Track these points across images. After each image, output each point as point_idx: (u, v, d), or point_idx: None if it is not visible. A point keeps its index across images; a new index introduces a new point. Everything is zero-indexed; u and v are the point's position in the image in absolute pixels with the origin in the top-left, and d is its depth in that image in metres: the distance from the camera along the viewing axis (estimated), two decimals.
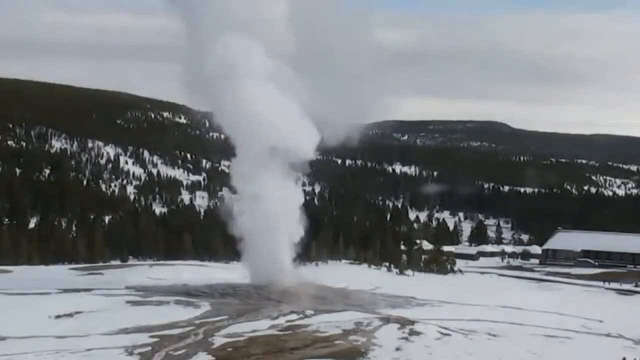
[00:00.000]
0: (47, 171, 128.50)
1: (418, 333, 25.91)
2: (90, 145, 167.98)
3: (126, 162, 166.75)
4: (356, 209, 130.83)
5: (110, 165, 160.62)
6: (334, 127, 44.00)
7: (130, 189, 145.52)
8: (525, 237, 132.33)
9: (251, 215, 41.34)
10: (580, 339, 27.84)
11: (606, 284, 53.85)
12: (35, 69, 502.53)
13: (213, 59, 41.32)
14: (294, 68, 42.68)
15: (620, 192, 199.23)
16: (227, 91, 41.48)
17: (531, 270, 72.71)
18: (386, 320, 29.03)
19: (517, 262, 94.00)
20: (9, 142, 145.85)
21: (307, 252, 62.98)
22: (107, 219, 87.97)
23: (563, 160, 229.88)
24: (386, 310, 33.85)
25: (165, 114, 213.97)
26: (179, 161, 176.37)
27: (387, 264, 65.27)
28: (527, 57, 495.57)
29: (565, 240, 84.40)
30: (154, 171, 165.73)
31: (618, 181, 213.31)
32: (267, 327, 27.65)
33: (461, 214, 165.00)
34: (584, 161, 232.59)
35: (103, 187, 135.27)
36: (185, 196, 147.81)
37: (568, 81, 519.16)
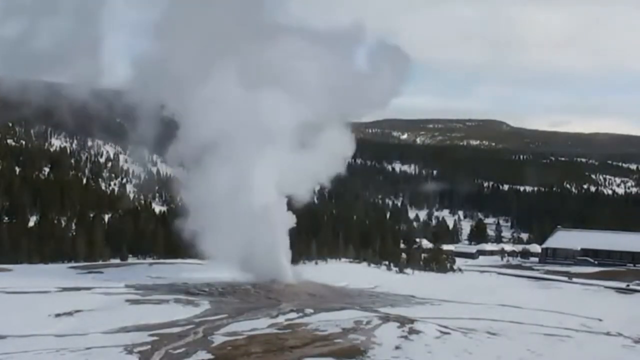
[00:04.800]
0: (47, 169, 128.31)
1: (417, 332, 25.91)
2: (89, 143, 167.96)
3: (126, 161, 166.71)
4: (356, 208, 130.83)
5: (109, 164, 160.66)
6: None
7: (129, 188, 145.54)
8: (524, 236, 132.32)
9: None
10: (579, 337, 27.83)
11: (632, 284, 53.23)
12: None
13: None
14: None
15: (620, 190, 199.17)
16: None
17: (530, 268, 72.74)
18: (386, 318, 29.05)
19: (516, 260, 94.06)
20: (9, 141, 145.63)
21: (307, 250, 63.05)
22: (106, 217, 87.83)
23: (562, 158, 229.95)
24: (386, 308, 33.85)
25: (165, 113, 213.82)
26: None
27: (387, 262, 65.28)
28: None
29: (565, 238, 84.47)
30: (154, 169, 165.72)
31: (617, 180, 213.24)
32: (266, 325, 27.65)
33: (461, 213, 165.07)
34: (583, 160, 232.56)
35: (103, 185, 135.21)
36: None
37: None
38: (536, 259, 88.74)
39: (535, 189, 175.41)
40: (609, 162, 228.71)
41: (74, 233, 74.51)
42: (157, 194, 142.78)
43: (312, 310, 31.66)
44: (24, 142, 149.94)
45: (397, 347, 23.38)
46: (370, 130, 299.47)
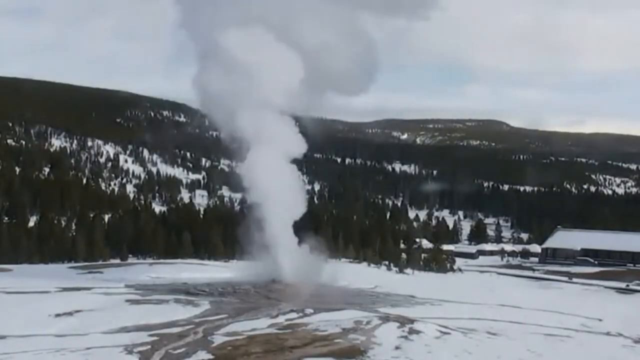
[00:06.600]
0: (47, 170, 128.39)
1: (417, 332, 25.89)
2: (89, 143, 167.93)
3: (126, 161, 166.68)
4: (356, 208, 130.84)
5: (109, 164, 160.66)
6: None
7: (129, 188, 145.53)
8: (524, 236, 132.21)
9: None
10: (579, 337, 27.84)
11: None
12: (35, 68, 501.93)
13: None
14: None
15: (620, 190, 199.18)
16: None
17: (531, 269, 72.73)
18: (386, 318, 29.02)
19: (516, 260, 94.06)
20: (9, 141, 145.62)
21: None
22: (106, 217, 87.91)
23: (562, 159, 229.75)
24: (386, 308, 33.83)
25: (165, 113, 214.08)
26: (179, 160, 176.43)
27: (387, 262, 65.31)
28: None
29: (565, 239, 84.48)
30: (154, 170, 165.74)
31: (617, 180, 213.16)
32: (266, 325, 27.65)
33: (461, 213, 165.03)
34: (583, 160, 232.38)
35: (103, 185, 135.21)
36: (185, 195, 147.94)
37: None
38: (536, 259, 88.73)
39: (535, 189, 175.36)
40: (609, 162, 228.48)
41: (74, 233, 74.57)
42: (157, 194, 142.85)
43: (312, 310, 31.64)
44: (24, 142, 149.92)
45: (397, 347, 23.37)
46: (370, 130, 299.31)
